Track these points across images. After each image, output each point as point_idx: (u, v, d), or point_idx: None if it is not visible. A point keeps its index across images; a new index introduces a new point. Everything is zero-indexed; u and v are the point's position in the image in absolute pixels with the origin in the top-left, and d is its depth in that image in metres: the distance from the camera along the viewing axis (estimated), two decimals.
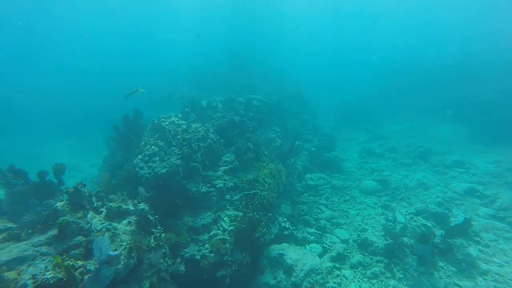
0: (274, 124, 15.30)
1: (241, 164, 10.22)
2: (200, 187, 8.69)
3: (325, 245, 9.38)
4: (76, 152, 26.36)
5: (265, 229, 7.85)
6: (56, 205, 6.26)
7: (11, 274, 4.71)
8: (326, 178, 14.41)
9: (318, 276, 7.07)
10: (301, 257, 7.40)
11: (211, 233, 8.07)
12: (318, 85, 40.77)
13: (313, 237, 9.78)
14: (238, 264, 7.26)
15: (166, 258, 6.63)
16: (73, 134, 30.80)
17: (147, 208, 6.72)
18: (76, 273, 4.61)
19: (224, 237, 7.87)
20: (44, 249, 5.41)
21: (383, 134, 22.39)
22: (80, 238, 5.64)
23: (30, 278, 4.72)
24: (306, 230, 10.28)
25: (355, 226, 10.54)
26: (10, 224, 5.99)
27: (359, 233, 10.02)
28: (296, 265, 7.17)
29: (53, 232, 5.68)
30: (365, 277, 8.07)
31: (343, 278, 8.12)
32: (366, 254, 8.95)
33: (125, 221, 6.72)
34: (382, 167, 15.79)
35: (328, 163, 15.90)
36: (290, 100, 19.67)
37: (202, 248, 7.75)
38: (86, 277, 4.75)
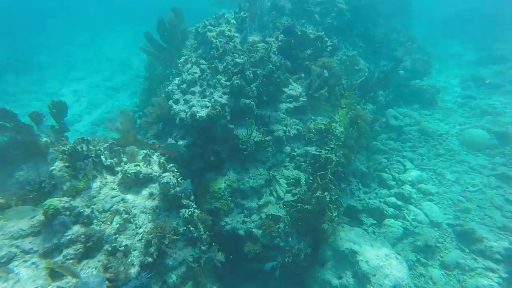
0: (357, 36, 11.17)
1: (310, 102, 7.37)
2: (252, 134, 6.31)
3: (407, 225, 7.07)
4: (129, 43, 24.67)
5: (335, 213, 5.61)
6: (52, 167, 4.48)
7: None
8: (414, 116, 10.99)
9: None
10: (382, 263, 5.26)
11: (262, 201, 6.10)
12: None
13: (392, 209, 7.43)
14: (293, 254, 5.41)
15: (199, 243, 4.94)
16: (129, 22, 28.63)
17: (174, 180, 4.69)
18: None
19: (278, 212, 5.88)
20: (28, 243, 3.86)
21: (504, 54, 16.24)
22: (77, 230, 3.96)
23: None
24: (382, 195, 7.89)
25: (452, 200, 7.80)
26: None
27: (459, 214, 7.36)
28: (374, 275, 5.11)
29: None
30: None
31: (429, 281, 6.04)
32: (468, 252, 6.51)
33: (146, 192, 4.89)
34: (499, 109, 11.48)
35: (419, 95, 12.05)
36: None
37: (248, 219, 5.94)
38: None
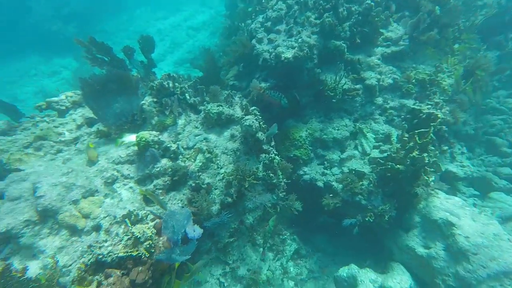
0: None
1: (413, 46, 6.19)
2: (340, 80, 5.64)
3: None
4: None
5: (433, 177, 4.86)
6: (142, 102, 4.64)
7: (85, 205, 3.71)
8: None
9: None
10: (488, 242, 4.47)
11: (345, 154, 5.63)
12: None
13: (504, 182, 6.21)
14: (375, 214, 4.98)
15: (277, 190, 4.84)
16: None
17: (257, 124, 4.48)
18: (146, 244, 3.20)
19: (362, 168, 5.36)
20: (126, 169, 4.17)
21: None
22: (165, 164, 4.12)
23: (105, 217, 3.67)
24: (491, 164, 6.61)
25: None
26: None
27: None
28: (475, 254, 4.40)
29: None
30: None
31: None
32: None
33: (227, 133, 4.82)
34: None
35: None
36: None
37: (328, 172, 5.60)
38: (161, 242, 3.36)
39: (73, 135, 4.90)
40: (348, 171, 5.39)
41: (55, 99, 5.31)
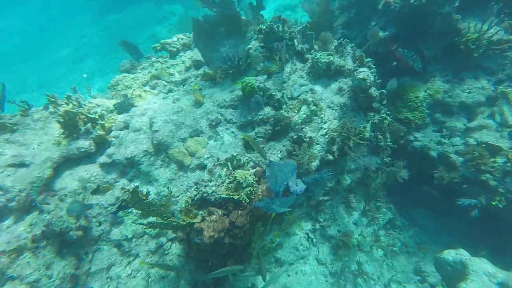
0: None
1: None
2: (489, 28, 4.45)
3: None
4: None
5: None
6: (249, 46, 4.47)
7: (192, 144, 3.91)
8: None
9: None
10: None
11: (474, 123, 4.67)
12: None
13: None
14: (508, 200, 4.10)
15: (382, 153, 4.34)
16: None
17: (372, 78, 3.90)
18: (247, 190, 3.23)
19: (497, 142, 4.36)
20: (229, 113, 4.20)
21: None
22: (268, 112, 3.99)
23: (208, 158, 3.82)
24: None
25: None
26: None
27: None
28: None
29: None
30: None
31: None
32: None
33: (335, 86, 4.38)
34: None
35: None
36: None
37: (446, 141, 4.76)
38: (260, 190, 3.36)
39: (182, 76, 5.13)
40: (475, 143, 4.46)
41: (169, 40, 5.58)
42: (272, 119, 3.98)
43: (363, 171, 4.41)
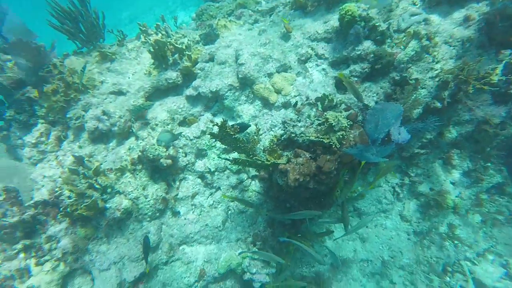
0: None
1: None
2: None
3: None
4: None
5: None
6: None
7: (278, 80, 3.62)
8: None
9: None
10: None
11: None
12: None
13: None
14: None
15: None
16: None
17: None
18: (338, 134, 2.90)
19: None
20: (321, 48, 3.71)
21: None
22: (368, 47, 3.39)
23: (295, 96, 3.53)
24: None
25: None
26: None
27: None
28: None
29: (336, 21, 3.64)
30: None
31: None
32: None
33: (459, 15, 3.49)
34: None
35: None
36: None
37: None
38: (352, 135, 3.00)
39: (269, 5, 4.66)
40: None
41: None
42: (371, 55, 3.39)
43: (476, 124, 3.66)
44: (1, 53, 3.71)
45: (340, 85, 3.57)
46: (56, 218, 3.47)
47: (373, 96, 3.46)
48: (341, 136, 2.91)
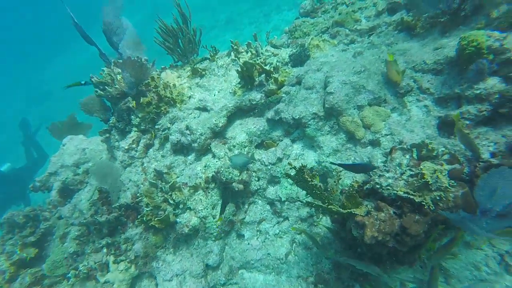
0: None
1: None
2: None
3: None
4: None
5: None
6: None
7: (369, 114, 3.21)
8: None
9: None
10: None
11: None
12: None
13: None
14: None
15: None
16: None
17: None
18: None
19: None
20: (426, 80, 3.15)
21: None
22: (492, 86, 2.72)
23: (386, 135, 3.09)
24: None
25: None
26: None
27: None
28: None
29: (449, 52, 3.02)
30: None
31: None
32: None
33: None
34: None
35: None
36: None
37: None
38: None
39: (370, 24, 4.20)
40: None
41: None
42: (496, 96, 2.71)
43: None
44: (115, 67, 4.23)
45: (444, 126, 2.98)
46: (134, 222, 3.83)
47: (488, 146, 2.77)
48: (438, 197, 2.40)
